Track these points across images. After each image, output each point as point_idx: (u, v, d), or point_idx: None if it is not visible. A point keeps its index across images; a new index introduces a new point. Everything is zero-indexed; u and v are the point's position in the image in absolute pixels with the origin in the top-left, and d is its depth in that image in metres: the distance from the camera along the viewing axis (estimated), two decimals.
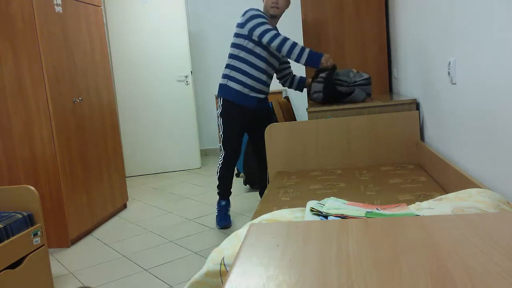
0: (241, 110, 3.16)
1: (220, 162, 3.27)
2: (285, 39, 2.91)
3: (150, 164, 5.38)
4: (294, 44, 2.90)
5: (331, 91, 2.89)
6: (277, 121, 3.99)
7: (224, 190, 3.34)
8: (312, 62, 2.91)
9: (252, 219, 1.65)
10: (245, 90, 3.12)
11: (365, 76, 2.90)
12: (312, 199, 2.03)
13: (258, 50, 3.06)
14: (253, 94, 3.14)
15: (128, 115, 5.29)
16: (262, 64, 3.10)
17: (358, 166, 2.70)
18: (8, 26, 2.94)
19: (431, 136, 2.46)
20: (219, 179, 3.31)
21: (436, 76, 2.22)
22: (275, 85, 6.01)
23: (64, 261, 2.90)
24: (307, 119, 2.80)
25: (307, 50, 2.91)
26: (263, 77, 3.14)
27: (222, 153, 3.24)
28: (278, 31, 3.00)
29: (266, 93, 3.23)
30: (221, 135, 3.22)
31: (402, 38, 3.12)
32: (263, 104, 3.26)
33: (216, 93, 3.39)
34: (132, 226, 3.49)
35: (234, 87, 3.12)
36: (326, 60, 2.91)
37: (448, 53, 1.98)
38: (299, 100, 5.95)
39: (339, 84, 2.88)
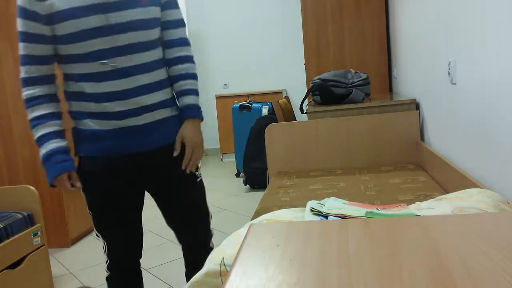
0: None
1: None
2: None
3: None
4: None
5: (327, 95, 2.87)
6: (277, 121, 3.99)
7: None
8: None
9: (252, 219, 1.65)
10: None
11: (363, 76, 2.90)
12: (312, 199, 2.02)
13: None
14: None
15: None
16: None
17: (358, 166, 2.70)
18: (8, 26, 2.94)
19: (431, 136, 2.46)
20: None
21: (436, 76, 2.22)
22: (275, 85, 6.02)
23: (64, 261, 2.90)
24: (307, 119, 2.80)
25: None
26: None
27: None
28: None
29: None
30: None
31: (402, 38, 3.12)
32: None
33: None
34: None
35: None
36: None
37: (448, 53, 1.98)
38: (299, 100, 5.95)
39: (335, 85, 2.86)
